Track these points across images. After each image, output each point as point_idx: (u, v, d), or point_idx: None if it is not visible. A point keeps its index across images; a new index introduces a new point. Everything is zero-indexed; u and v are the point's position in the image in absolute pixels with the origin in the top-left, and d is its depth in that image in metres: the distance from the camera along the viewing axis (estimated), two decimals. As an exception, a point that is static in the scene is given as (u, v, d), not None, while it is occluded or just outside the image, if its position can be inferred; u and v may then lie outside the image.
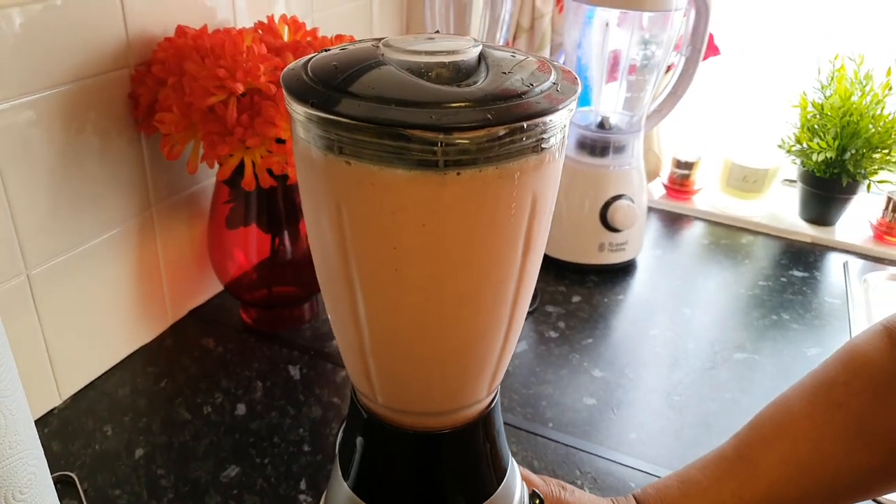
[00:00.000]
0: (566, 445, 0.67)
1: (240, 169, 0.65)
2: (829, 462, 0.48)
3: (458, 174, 0.30)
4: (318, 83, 0.32)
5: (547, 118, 0.31)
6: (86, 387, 0.71)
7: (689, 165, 1.14)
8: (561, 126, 0.33)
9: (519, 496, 0.47)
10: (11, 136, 0.58)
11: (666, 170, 1.18)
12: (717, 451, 0.53)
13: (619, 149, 0.92)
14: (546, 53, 1.12)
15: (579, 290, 0.93)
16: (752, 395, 0.74)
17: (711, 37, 1.09)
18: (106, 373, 0.73)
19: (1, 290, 0.60)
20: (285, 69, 0.34)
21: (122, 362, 0.75)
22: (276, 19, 0.72)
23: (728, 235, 1.08)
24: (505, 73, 0.33)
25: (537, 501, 0.49)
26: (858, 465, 0.47)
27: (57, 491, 0.59)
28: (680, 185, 1.15)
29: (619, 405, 0.73)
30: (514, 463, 0.49)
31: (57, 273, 0.65)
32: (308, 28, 0.75)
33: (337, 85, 0.32)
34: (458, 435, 0.42)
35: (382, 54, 0.34)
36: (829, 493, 0.48)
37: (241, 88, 0.61)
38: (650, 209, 1.15)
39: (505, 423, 0.68)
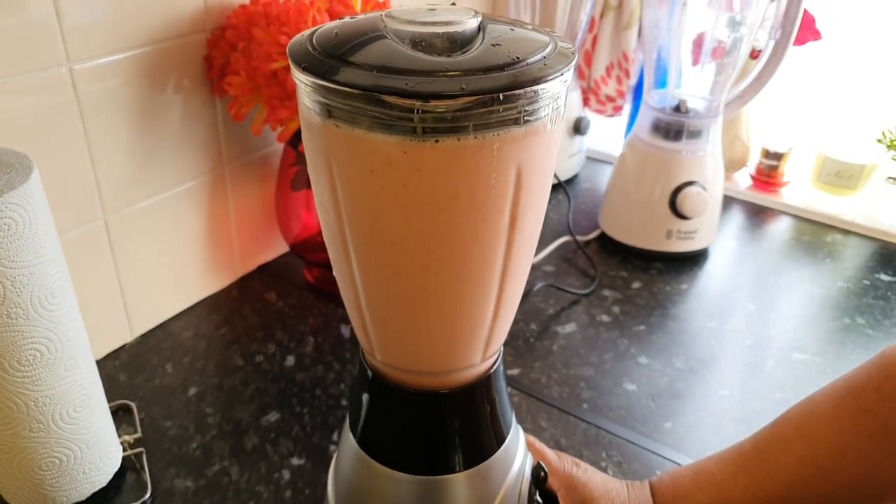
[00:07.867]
0: (597, 427, 0.67)
1: (299, 133, 0.69)
2: (850, 468, 0.46)
3: (437, 141, 0.31)
4: (318, 51, 0.34)
5: (524, 90, 0.31)
6: (155, 327, 0.77)
7: (778, 156, 1.08)
8: (551, 99, 0.33)
9: (520, 463, 0.48)
10: (100, 90, 0.64)
11: (754, 160, 1.12)
12: (736, 447, 0.52)
13: (694, 134, 0.89)
14: (634, 32, 1.09)
15: (641, 277, 0.91)
16: (803, 396, 0.71)
17: (813, 20, 1.03)
18: (174, 316, 0.79)
19: (79, 231, 0.66)
20: (294, 38, 0.36)
21: (190, 308, 0.81)
22: (351, -10, 0.75)
23: (813, 232, 1.02)
24: (495, 45, 0.33)
25: (542, 474, 0.50)
26: (881, 474, 0.45)
27: (117, 417, 0.66)
28: (767, 176, 1.10)
29: (660, 394, 0.71)
30: (521, 431, 0.50)
31: (133, 219, 0.71)
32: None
33: (334, 53, 0.33)
34: (455, 396, 0.43)
35: (385, 25, 0.35)
36: (848, 499, 0.46)
37: (301, 56, 0.64)
38: (732, 200, 1.10)
39: (539, 400, 0.70)
